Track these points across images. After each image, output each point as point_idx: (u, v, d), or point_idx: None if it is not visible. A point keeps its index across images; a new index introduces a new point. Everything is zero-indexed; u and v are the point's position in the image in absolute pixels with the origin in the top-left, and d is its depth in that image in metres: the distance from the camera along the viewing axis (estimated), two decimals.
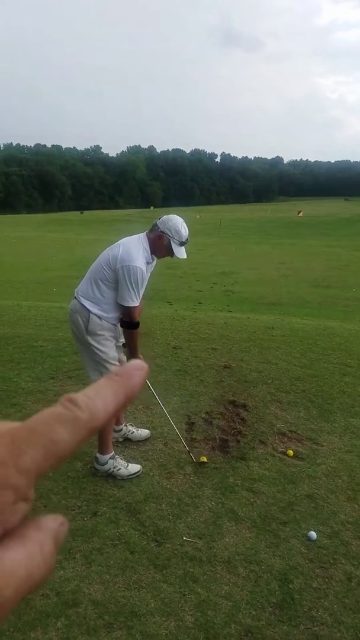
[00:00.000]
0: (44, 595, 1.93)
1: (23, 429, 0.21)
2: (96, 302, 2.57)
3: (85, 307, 2.55)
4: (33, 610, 1.86)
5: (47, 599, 1.91)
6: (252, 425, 3.34)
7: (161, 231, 2.58)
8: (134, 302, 2.53)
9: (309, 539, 2.31)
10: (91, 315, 2.54)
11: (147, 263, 2.59)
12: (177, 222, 2.59)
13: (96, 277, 2.57)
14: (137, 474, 2.73)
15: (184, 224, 2.62)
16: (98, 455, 2.71)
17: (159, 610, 1.89)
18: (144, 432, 3.13)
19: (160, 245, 2.60)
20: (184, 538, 2.28)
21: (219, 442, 3.11)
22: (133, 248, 2.55)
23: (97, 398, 0.23)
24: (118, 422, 3.05)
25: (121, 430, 3.07)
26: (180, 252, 2.61)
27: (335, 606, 1.96)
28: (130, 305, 2.53)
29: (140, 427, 3.17)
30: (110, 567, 2.10)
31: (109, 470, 2.69)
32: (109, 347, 2.64)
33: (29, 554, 0.20)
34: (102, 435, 2.70)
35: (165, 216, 2.65)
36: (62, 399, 0.23)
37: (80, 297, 2.59)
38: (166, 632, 1.81)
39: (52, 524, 0.23)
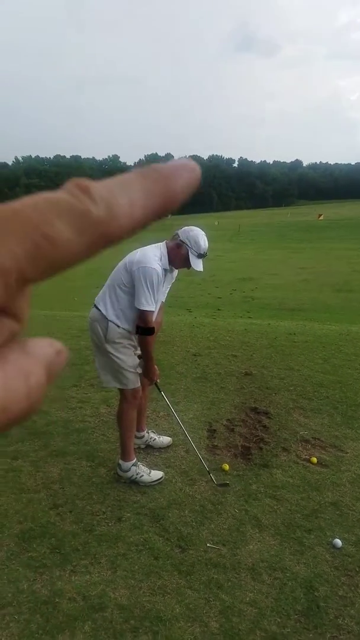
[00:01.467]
0: (71, 599, 1.97)
1: (5, 209, 0.15)
2: (113, 308, 2.58)
3: (103, 315, 2.58)
4: (61, 614, 1.90)
5: (75, 603, 1.95)
6: (274, 432, 3.33)
7: (181, 240, 2.59)
8: (149, 305, 2.50)
9: (334, 546, 2.29)
10: (109, 323, 2.57)
11: (165, 269, 2.57)
12: (197, 233, 2.59)
13: (114, 283, 2.60)
14: (160, 480, 2.76)
15: (205, 237, 2.61)
16: (120, 461, 2.75)
17: (184, 616, 1.91)
18: (165, 440, 3.15)
19: (177, 254, 2.60)
20: (208, 544, 2.29)
21: (241, 450, 3.11)
22: (150, 252, 2.56)
23: (120, 193, 0.17)
24: (140, 429, 3.08)
25: (143, 437, 3.11)
26: (197, 264, 2.60)
27: None
28: (145, 308, 2.50)
29: (161, 435, 3.20)
30: (135, 572, 2.13)
31: (131, 476, 2.72)
32: (128, 354, 2.66)
33: (5, 381, 0.16)
34: (123, 442, 2.74)
35: (186, 227, 2.66)
36: (70, 183, 0.16)
37: (99, 305, 2.62)
38: (191, 637, 1.82)
39: (46, 350, 0.18)
